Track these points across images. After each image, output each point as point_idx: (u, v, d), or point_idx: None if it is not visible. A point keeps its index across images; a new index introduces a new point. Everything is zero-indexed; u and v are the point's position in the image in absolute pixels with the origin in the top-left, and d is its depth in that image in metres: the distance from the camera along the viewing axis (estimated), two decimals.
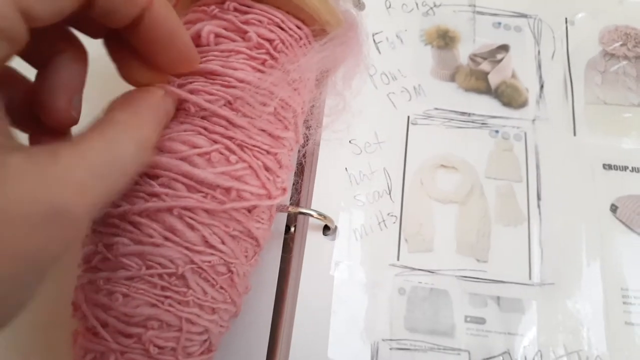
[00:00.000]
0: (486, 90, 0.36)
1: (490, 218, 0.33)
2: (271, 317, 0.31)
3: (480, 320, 0.31)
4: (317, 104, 0.33)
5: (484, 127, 0.35)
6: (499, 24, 0.38)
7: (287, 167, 0.28)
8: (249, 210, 0.26)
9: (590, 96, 0.36)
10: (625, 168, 0.35)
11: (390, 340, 0.30)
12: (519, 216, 0.33)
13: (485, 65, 0.37)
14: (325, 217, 0.31)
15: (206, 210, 0.24)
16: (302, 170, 0.34)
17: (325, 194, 0.33)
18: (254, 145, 0.25)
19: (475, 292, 0.31)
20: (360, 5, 0.37)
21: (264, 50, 0.25)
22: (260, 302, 0.31)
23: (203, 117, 0.24)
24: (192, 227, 0.24)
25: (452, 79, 0.37)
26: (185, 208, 0.24)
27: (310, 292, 0.31)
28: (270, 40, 0.25)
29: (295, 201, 0.33)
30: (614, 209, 0.34)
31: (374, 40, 0.37)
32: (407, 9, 0.38)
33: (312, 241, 0.32)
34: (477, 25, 0.38)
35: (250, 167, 0.25)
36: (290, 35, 0.26)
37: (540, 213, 0.33)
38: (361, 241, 0.32)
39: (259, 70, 0.25)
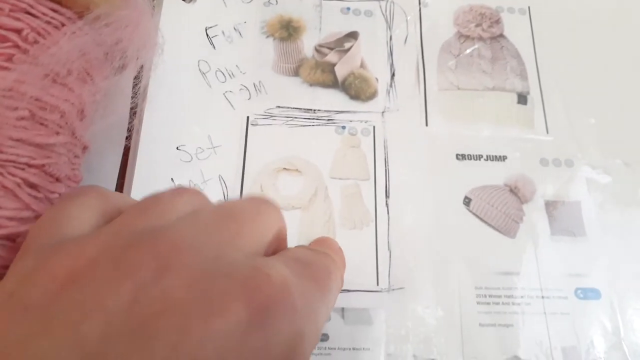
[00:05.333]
0: (333, 83, 0.34)
1: (335, 222, 0.30)
2: None
3: (323, 337, 0.28)
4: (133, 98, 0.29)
5: (330, 123, 0.33)
6: (348, 9, 0.36)
7: (70, 178, 0.24)
8: (13, 240, 0.22)
9: (443, 82, 0.34)
10: (479, 157, 0.32)
11: None
12: (365, 217, 0.31)
13: (332, 56, 0.34)
14: None
15: None
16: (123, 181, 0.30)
17: None
18: (6, 160, 0.21)
19: None
20: None
21: (9, 44, 0.22)
22: None
23: None
24: None
25: (296, 73, 0.34)
26: None
27: None
28: (17, 31, 0.22)
29: None
30: (467, 201, 0.31)
31: (207, 35, 0.33)
32: None
33: None
34: (323, 12, 0.35)
35: (3, 186, 0.21)
36: (47, 22, 0.23)
37: (388, 212, 0.31)
38: None
39: (6, 69, 0.21)
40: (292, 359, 0.15)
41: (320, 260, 0.21)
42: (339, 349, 0.28)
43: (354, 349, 0.28)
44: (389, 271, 0.30)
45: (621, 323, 0.29)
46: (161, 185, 0.30)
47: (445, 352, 0.28)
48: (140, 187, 0.29)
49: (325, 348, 0.28)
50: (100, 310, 0.13)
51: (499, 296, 0.29)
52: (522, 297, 0.29)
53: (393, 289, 0.29)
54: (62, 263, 0.15)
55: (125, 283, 0.14)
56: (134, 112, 0.31)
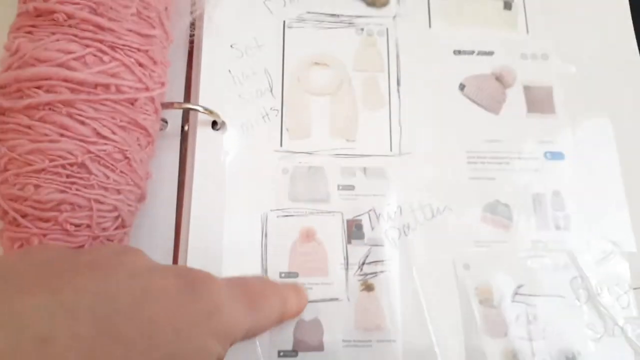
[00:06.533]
0: None
1: (357, 105, 0.39)
2: (175, 205, 0.36)
3: (350, 187, 0.37)
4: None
5: (351, 26, 0.40)
6: None
7: (163, 63, 0.32)
8: (132, 103, 0.30)
9: None
10: (472, 52, 0.40)
11: (277, 210, 0.36)
12: (381, 101, 0.39)
13: None
14: (211, 111, 0.36)
15: (91, 106, 0.29)
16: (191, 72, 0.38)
17: (212, 94, 0.37)
18: (124, 45, 0.29)
19: (346, 166, 0.37)
20: None
21: None
22: (164, 191, 0.36)
23: (71, 26, 0.28)
24: (82, 123, 0.29)
25: None
26: (71, 106, 0.28)
27: (205, 179, 0.36)
28: None
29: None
30: (462, 87, 0.40)
31: None
32: None
33: (203, 135, 0.37)
34: None
35: (124, 64, 0.29)
36: None
37: (399, 97, 0.39)
38: (248, 133, 0.37)
39: None
40: (210, 324, 0.23)
41: (260, 284, 0.30)
42: (362, 195, 0.37)
43: (373, 195, 0.37)
44: (400, 141, 0.38)
45: (580, 177, 0.38)
46: (221, 76, 0.38)
47: (442, 199, 0.37)
48: (207, 81, 0.37)
49: (352, 195, 0.37)
50: None
51: (485, 157, 0.38)
52: (503, 158, 0.38)
53: (402, 154, 0.38)
54: None
55: None
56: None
